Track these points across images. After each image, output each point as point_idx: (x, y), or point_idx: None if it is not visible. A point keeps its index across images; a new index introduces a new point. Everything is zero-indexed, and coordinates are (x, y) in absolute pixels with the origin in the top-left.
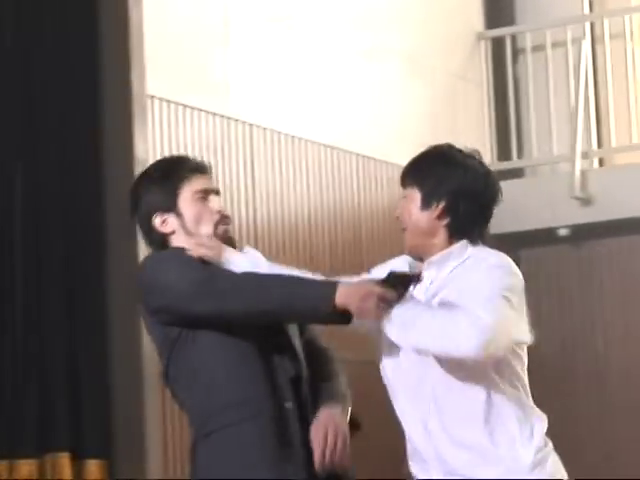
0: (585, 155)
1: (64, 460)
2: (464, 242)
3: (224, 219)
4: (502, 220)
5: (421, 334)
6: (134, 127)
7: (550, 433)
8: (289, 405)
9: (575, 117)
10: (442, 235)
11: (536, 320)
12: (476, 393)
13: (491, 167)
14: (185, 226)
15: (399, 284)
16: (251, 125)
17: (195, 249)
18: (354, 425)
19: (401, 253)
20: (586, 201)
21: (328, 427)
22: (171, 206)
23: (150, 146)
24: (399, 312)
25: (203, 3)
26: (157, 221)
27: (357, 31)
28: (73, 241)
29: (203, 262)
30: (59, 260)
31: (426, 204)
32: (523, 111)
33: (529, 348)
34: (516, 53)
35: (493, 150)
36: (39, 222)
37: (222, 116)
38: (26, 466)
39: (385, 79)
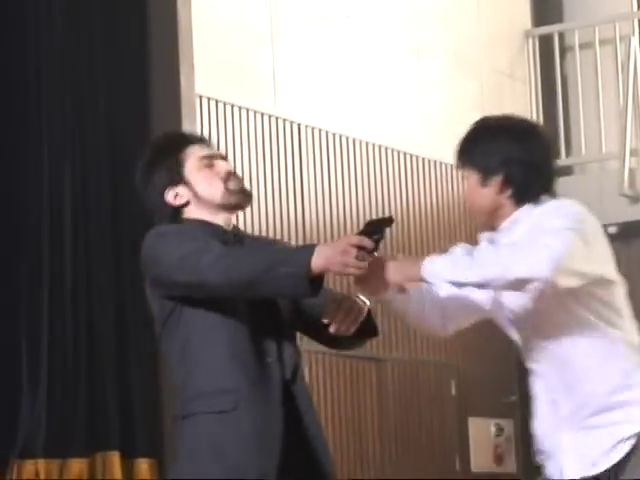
0: (634, 152)
1: (114, 459)
2: (528, 206)
3: (232, 176)
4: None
5: (489, 265)
6: (183, 126)
7: None
8: (273, 397)
9: (624, 114)
10: (508, 206)
11: None
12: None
13: None
14: (197, 194)
15: (374, 231)
16: (299, 124)
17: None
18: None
19: (448, 250)
20: (635, 199)
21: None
22: (179, 178)
23: None
24: (447, 257)
25: (251, 2)
26: (170, 196)
27: (404, 29)
28: (123, 247)
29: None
30: (109, 265)
31: (484, 181)
32: (571, 109)
33: None
34: (564, 50)
35: None
36: (89, 225)
37: (270, 115)
38: (77, 465)
39: (432, 77)
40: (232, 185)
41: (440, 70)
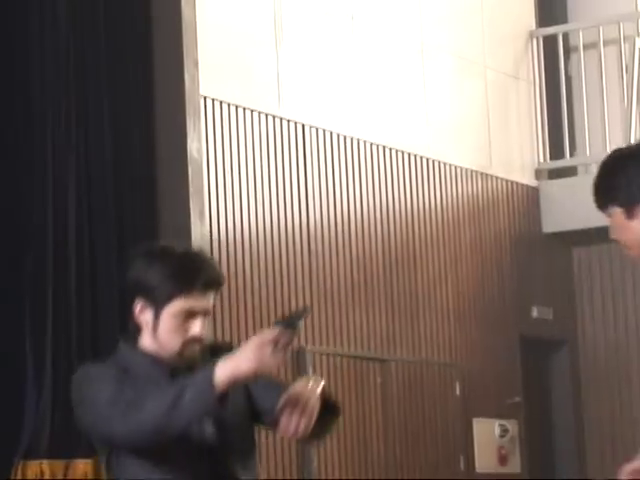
0: None
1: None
2: None
3: (195, 341)
4: (555, 219)
5: None
6: (187, 127)
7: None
8: None
9: (628, 114)
10: None
11: (590, 319)
12: None
13: (543, 166)
14: (156, 331)
15: (289, 323)
16: (303, 125)
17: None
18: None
19: (453, 251)
20: None
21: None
22: (156, 306)
23: (203, 146)
24: None
25: (255, 4)
26: (138, 306)
27: (408, 30)
28: (127, 241)
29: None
30: (113, 261)
31: (630, 214)
32: (576, 109)
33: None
34: (568, 51)
35: (546, 148)
36: (92, 217)
37: (274, 116)
38: (81, 465)
39: (436, 78)
40: (187, 352)
41: (445, 71)
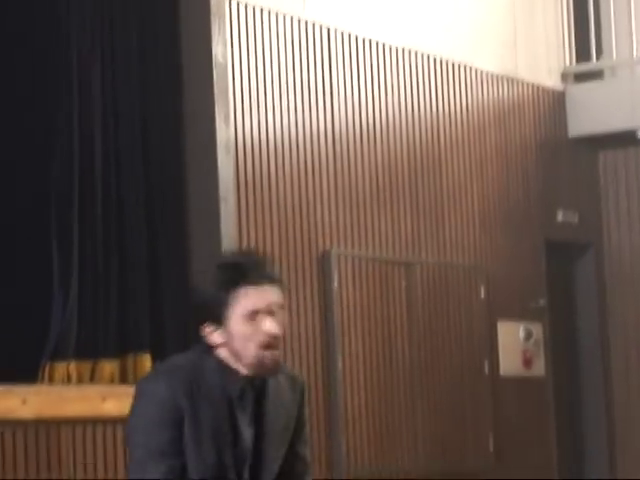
0: None
1: (145, 360)
2: None
3: (273, 342)
4: (581, 123)
5: None
6: (212, 31)
7: None
8: None
9: None
10: None
11: (616, 223)
12: None
13: (570, 69)
14: (231, 344)
15: None
16: (328, 28)
17: None
18: None
19: (478, 155)
20: None
21: None
22: (221, 320)
23: (228, 50)
24: None
25: None
26: (206, 330)
27: None
28: (153, 147)
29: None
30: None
31: None
32: (603, 11)
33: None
34: None
35: (572, 51)
36: (118, 138)
37: (300, 19)
38: (108, 366)
39: None
40: (267, 359)
41: None
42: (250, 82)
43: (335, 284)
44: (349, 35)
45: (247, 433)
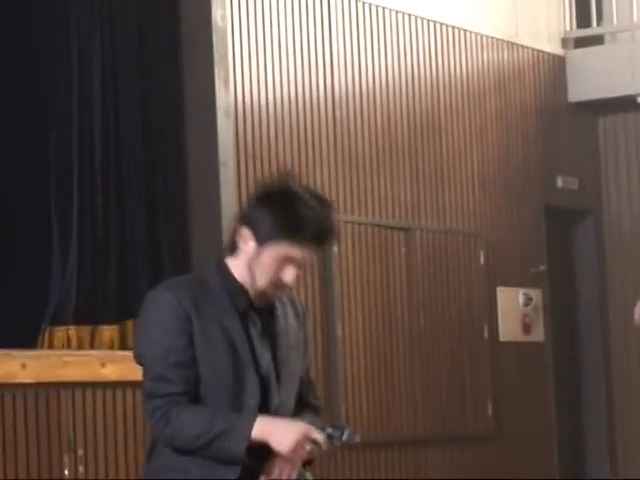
0: None
1: None
2: None
3: (285, 288)
4: (581, 88)
5: None
6: None
7: None
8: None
9: None
10: None
11: (615, 188)
12: None
13: (570, 34)
14: (251, 263)
15: (334, 437)
16: None
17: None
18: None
19: (478, 120)
20: None
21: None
22: (263, 239)
23: (228, 13)
24: None
25: None
26: (244, 233)
27: None
28: (152, 111)
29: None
30: (138, 135)
31: None
32: None
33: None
34: None
35: (572, 17)
36: (118, 93)
37: None
38: (107, 331)
39: None
40: (271, 296)
41: None
42: (250, 46)
43: (335, 250)
44: None
45: (261, 348)
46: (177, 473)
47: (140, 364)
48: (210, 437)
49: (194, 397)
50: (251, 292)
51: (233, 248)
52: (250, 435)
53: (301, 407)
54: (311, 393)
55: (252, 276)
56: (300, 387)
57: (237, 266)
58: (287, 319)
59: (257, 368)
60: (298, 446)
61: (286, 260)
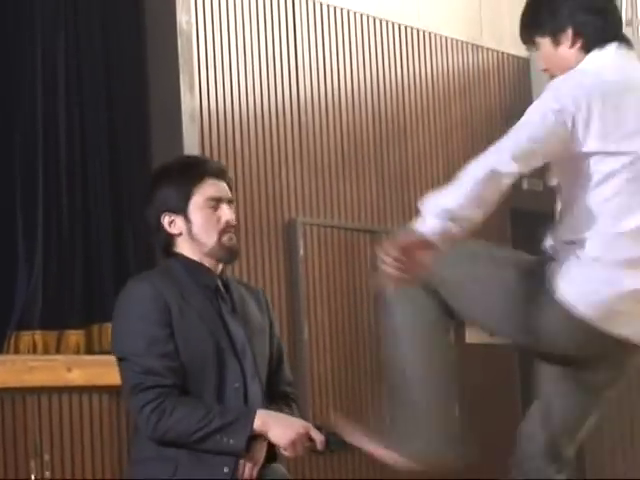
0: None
1: (110, 330)
2: (593, 53)
3: (229, 228)
4: (539, 92)
5: (464, 177)
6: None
7: None
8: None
9: None
10: (583, 57)
11: None
12: None
13: None
14: (191, 231)
15: (331, 443)
16: None
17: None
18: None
19: (443, 123)
20: None
21: None
22: (181, 209)
23: (193, 18)
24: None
25: None
26: (165, 220)
27: None
28: (118, 116)
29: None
30: (104, 138)
31: (556, 42)
32: None
33: None
34: None
35: None
36: (82, 90)
37: None
38: (74, 336)
39: None
40: (225, 240)
41: None
42: (215, 50)
43: (301, 252)
44: (314, 3)
45: (235, 328)
46: (165, 463)
47: (120, 359)
48: (209, 431)
49: (183, 389)
50: (211, 258)
51: (168, 245)
52: (252, 429)
53: (278, 397)
54: (286, 382)
55: (200, 243)
56: (277, 377)
57: (185, 249)
58: (247, 306)
59: (235, 350)
60: (297, 441)
61: (211, 205)
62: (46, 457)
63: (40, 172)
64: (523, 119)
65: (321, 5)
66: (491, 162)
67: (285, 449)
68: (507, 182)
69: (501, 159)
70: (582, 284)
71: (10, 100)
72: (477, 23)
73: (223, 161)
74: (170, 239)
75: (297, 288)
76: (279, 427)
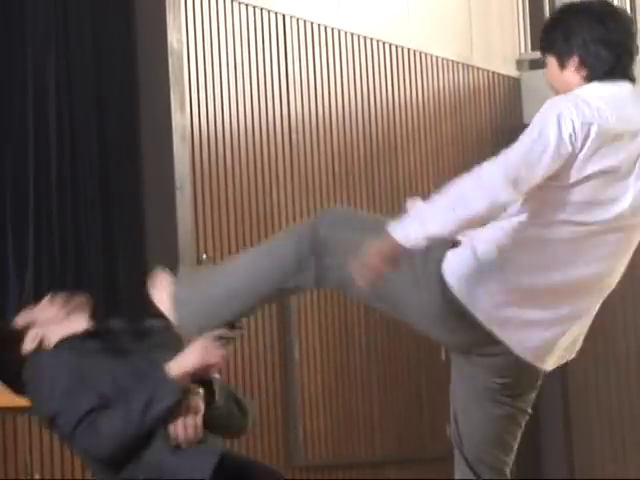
0: None
1: None
2: (593, 84)
3: None
4: (536, 110)
5: (457, 205)
6: (168, 18)
7: None
8: None
9: None
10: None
11: None
12: None
13: (525, 56)
14: None
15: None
16: (284, 15)
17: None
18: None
19: (434, 142)
20: None
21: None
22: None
23: (184, 36)
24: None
25: None
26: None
27: None
28: (108, 133)
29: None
30: (93, 140)
31: (562, 65)
32: (558, 3)
33: None
34: None
35: (527, 38)
36: (72, 87)
37: (255, 6)
38: None
39: None
40: None
41: None
42: (206, 69)
43: None
44: (304, 22)
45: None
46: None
47: (51, 421)
48: (139, 413)
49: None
50: None
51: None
52: (175, 384)
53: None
54: None
55: None
56: None
57: None
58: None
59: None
60: (208, 351)
61: None
62: (36, 476)
63: (31, 191)
64: (521, 139)
65: (312, 24)
66: (489, 192)
67: (208, 362)
68: (503, 207)
69: (498, 185)
70: (468, 272)
71: (0, 116)
72: (468, 43)
73: (214, 180)
74: None
75: (288, 306)
76: (187, 356)
